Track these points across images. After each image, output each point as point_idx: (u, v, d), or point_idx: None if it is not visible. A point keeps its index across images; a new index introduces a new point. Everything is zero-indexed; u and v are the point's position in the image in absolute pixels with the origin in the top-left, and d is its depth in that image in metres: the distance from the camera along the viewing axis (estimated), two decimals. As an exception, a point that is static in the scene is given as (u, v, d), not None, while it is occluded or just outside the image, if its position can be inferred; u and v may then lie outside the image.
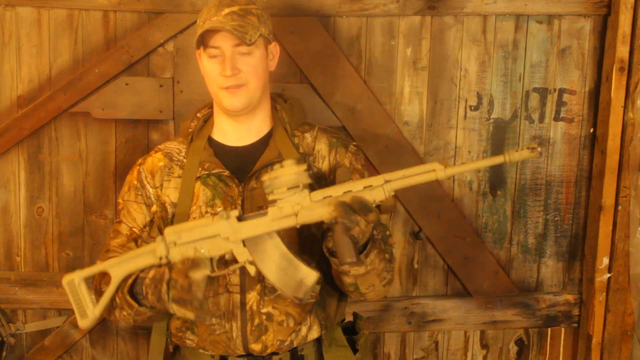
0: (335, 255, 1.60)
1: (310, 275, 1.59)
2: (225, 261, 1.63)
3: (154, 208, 1.79)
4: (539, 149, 1.41)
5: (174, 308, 1.57)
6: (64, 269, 2.38)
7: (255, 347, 1.73)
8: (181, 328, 1.79)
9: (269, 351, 1.74)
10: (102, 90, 2.28)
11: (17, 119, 2.28)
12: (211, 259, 1.61)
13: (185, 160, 1.80)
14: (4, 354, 2.37)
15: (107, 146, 2.34)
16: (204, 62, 1.74)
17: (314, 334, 1.78)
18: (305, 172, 1.53)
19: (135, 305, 1.66)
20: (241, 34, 1.66)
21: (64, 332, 2.41)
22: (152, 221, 1.80)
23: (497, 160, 1.46)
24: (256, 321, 1.72)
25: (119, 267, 1.66)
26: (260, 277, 1.68)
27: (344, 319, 1.90)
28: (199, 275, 1.57)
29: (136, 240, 1.79)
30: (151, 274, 1.64)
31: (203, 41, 1.71)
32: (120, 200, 1.85)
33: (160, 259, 1.62)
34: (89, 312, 1.69)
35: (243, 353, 1.74)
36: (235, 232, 1.59)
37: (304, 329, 1.76)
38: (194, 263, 1.57)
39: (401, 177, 1.51)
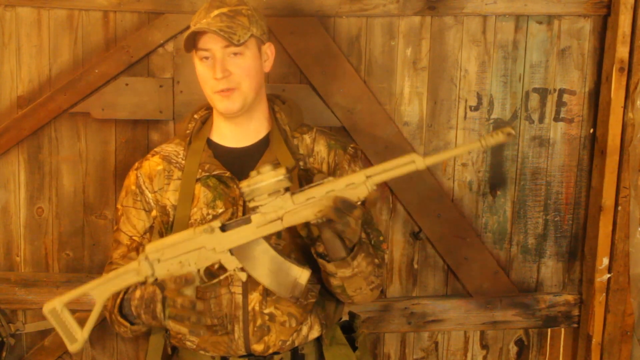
0: (324, 257, 1.62)
1: (303, 274, 1.60)
2: (210, 271, 1.63)
3: (154, 213, 1.79)
4: (513, 132, 1.43)
5: (170, 325, 1.58)
6: (64, 269, 2.38)
7: (258, 348, 1.73)
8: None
9: (270, 351, 1.74)
10: (102, 91, 2.28)
11: (17, 119, 2.28)
12: (198, 271, 1.60)
13: (183, 162, 1.80)
14: (3, 354, 2.37)
15: (107, 146, 2.34)
16: (197, 65, 1.74)
17: (315, 333, 1.79)
18: (285, 177, 1.52)
19: (129, 325, 1.67)
20: (228, 34, 1.64)
21: (64, 332, 2.41)
22: (152, 227, 1.80)
23: (474, 146, 1.46)
24: (258, 322, 1.72)
25: (101, 289, 1.63)
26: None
27: (341, 318, 1.91)
28: (190, 291, 1.58)
29: (137, 248, 1.79)
30: (138, 294, 1.63)
31: (194, 44, 1.71)
32: (119, 206, 1.85)
33: (147, 277, 1.61)
34: (77, 336, 1.66)
35: (244, 353, 1.74)
36: (220, 242, 1.58)
37: (305, 329, 1.77)
38: (186, 281, 1.57)
39: (382, 171, 1.51)
